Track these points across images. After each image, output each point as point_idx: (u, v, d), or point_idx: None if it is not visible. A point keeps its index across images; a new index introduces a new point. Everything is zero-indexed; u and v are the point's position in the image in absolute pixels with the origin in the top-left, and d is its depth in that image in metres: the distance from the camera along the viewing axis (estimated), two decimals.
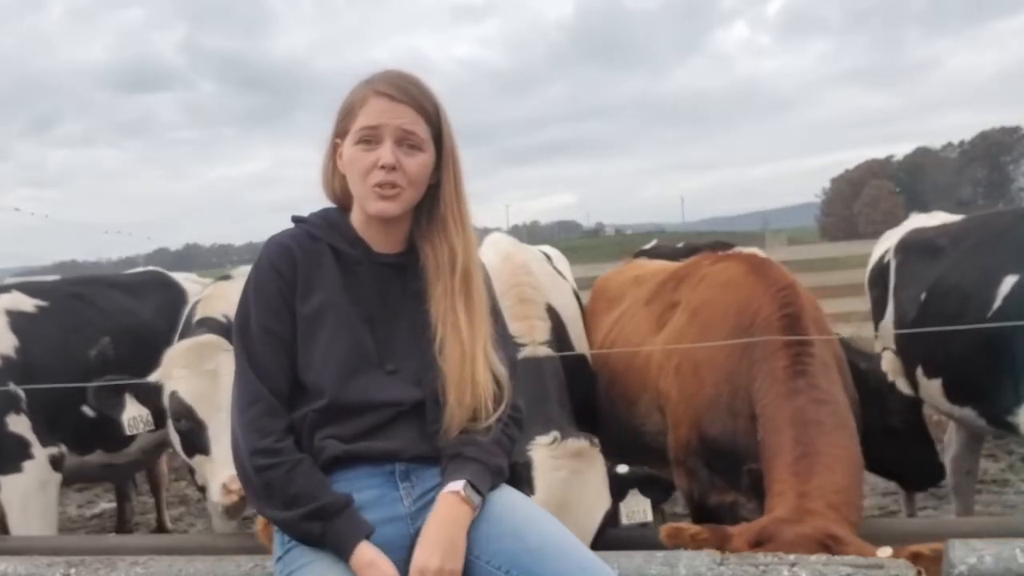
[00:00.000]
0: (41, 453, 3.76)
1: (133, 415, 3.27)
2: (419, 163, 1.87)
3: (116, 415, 3.26)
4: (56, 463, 3.83)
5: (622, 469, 2.64)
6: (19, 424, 3.72)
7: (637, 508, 2.62)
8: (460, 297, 1.89)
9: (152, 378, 3.30)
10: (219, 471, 3.05)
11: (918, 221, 4.45)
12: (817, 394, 2.56)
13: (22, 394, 3.73)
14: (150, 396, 3.27)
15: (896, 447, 3.55)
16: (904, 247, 4.20)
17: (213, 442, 3.12)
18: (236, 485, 2.92)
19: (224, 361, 3.18)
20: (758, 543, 2.17)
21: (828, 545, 2.11)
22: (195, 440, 3.21)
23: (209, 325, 3.68)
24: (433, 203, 1.92)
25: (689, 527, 2.26)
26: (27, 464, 3.72)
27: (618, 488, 2.62)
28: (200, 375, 3.20)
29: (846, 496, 2.32)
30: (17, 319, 3.96)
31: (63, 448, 3.85)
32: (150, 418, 3.28)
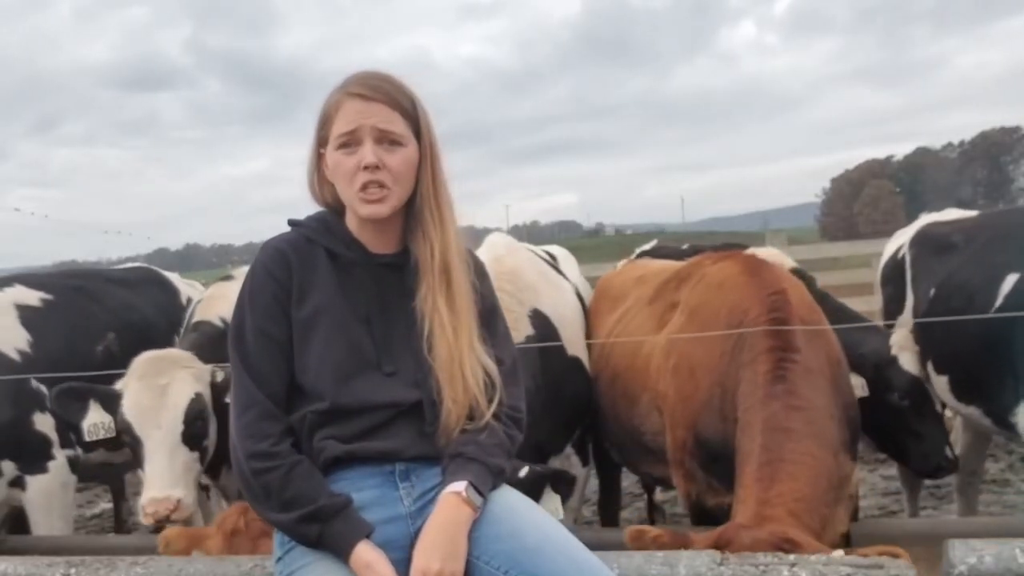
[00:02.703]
0: (60, 454, 3.72)
1: (94, 421, 3.16)
2: (402, 159, 1.86)
3: (77, 420, 3.16)
4: (73, 465, 3.79)
5: (523, 472, 2.52)
6: (44, 423, 3.68)
7: (551, 508, 2.53)
8: (441, 293, 1.88)
9: (117, 385, 3.19)
10: (145, 491, 3.00)
11: (931, 219, 4.45)
12: (793, 400, 2.56)
13: (45, 391, 3.66)
14: (113, 403, 3.15)
15: (898, 425, 3.53)
16: (919, 241, 4.20)
17: (146, 460, 3.05)
18: (152, 509, 2.91)
19: (179, 377, 3.12)
20: (716, 548, 2.17)
21: (785, 548, 2.11)
22: (135, 455, 3.15)
23: (202, 330, 3.66)
24: (413, 199, 1.91)
25: (651, 529, 2.27)
26: (51, 464, 3.69)
27: (530, 490, 2.44)
28: (148, 390, 3.10)
29: (807, 504, 2.33)
30: (26, 313, 3.90)
31: (78, 450, 3.80)
32: (112, 425, 3.16)
